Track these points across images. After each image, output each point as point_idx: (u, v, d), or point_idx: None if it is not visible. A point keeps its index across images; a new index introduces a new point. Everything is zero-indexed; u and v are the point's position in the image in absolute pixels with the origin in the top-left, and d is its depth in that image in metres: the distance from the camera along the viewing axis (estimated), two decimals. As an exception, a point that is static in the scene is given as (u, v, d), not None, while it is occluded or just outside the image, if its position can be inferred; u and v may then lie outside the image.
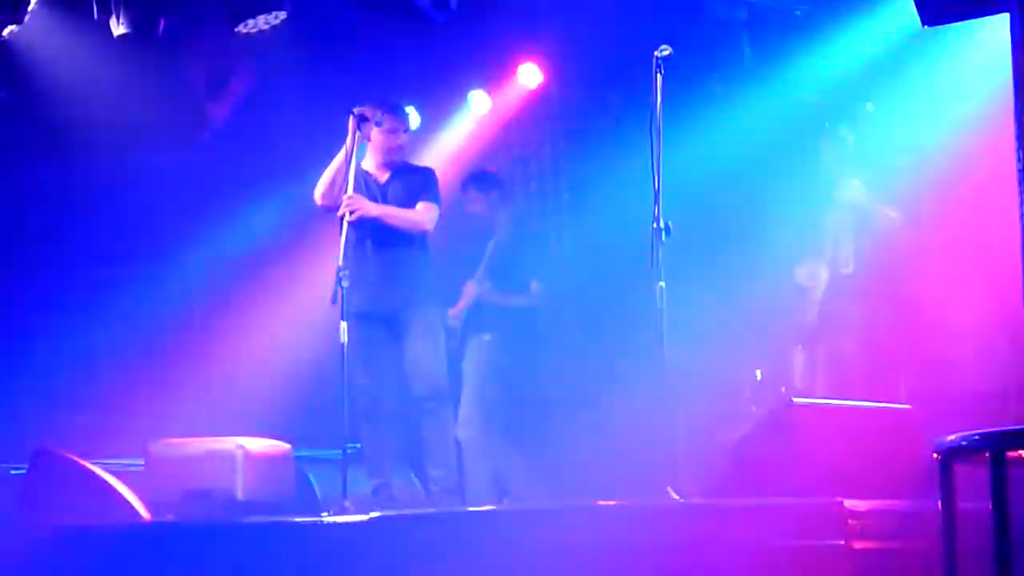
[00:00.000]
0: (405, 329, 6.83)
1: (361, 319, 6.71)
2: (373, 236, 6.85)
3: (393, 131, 6.99)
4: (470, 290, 7.89)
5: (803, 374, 7.67)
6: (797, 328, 7.72)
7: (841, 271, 7.45)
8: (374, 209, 6.81)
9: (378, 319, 6.81)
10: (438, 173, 7.21)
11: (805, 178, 7.82)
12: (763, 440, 5.28)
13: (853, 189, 7.35)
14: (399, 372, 6.87)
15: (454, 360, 7.81)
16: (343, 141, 6.80)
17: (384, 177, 7.03)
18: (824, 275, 7.51)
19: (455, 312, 7.87)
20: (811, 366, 7.68)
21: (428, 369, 6.80)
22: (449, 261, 7.77)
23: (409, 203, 6.93)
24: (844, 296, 7.42)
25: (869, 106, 7.33)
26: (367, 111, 6.81)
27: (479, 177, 8.22)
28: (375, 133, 6.94)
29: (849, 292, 7.40)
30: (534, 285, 7.97)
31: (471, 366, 7.87)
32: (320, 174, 7.00)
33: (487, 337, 7.89)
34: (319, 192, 6.92)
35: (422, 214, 6.90)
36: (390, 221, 6.87)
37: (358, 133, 6.77)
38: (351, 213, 6.64)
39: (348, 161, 6.72)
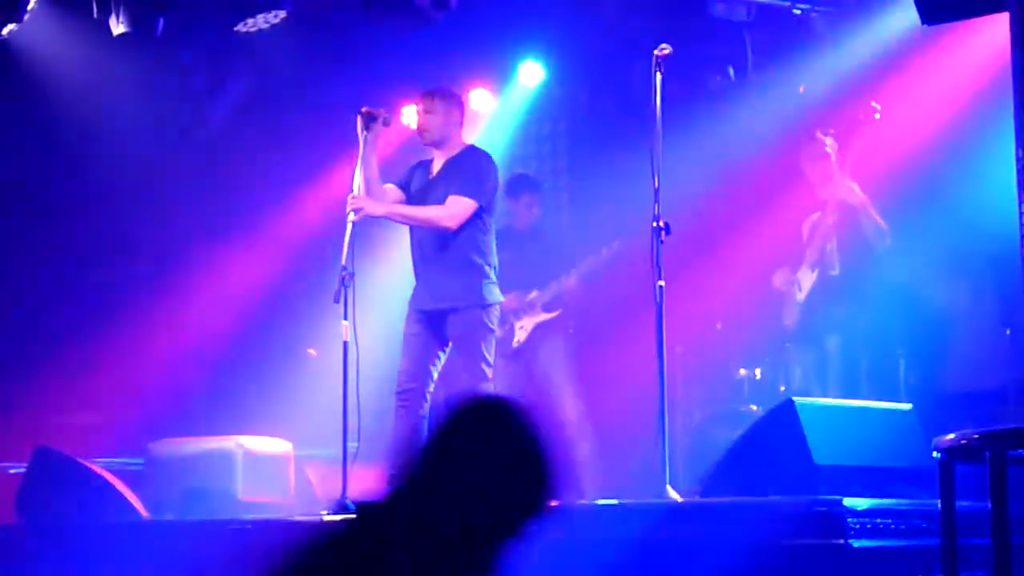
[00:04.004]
0: (447, 331, 6.72)
1: (412, 312, 6.71)
2: (427, 235, 6.73)
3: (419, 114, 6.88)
4: (570, 283, 7.99)
5: (799, 374, 7.67)
6: (783, 330, 7.73)
7: (829, 273, 7.45)
8: (378, 209, 6.69)
9: (426, 316, 6.72)
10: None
11: (795, 180, 7.83)
12: (763, 439, 5.28)
13: (845, 189, 7.34)
14: (435, 368, 6.78)
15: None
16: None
17: (437, 169, 6.80)
18: (807, 280, 7.50)
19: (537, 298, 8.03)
20: (799, 367, 7.67)
21: (466, 373, 6.68)
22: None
23: (444, 199, 6.68)
24: (830, 297, 7.41)
25: (875, 104, 7.31)
26: (374, 110, 6.68)
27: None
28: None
29: (836, 293, 7.40)
30: None
31: (558, 361, 7.99)
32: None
33: (565, 333, 8.08)
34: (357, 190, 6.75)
35: (439, 210, 6.62)
36: (399, 220, 6.77)
37: (366, 132, 6.65)
38: (355, 212, 6.57)
39: (367, 163, 6.62)
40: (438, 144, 6.80)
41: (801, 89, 8.50)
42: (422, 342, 6.72)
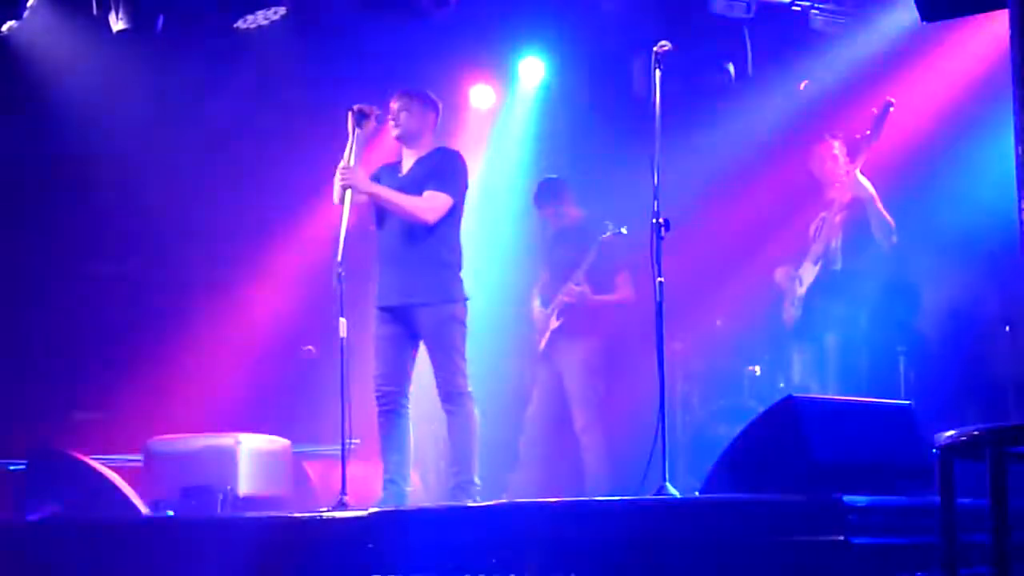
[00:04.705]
0: (420, 329, 6.72)
1: (381, 312, 6.69)
2: (398, 230, 6.71)
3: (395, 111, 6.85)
4: (573, 291, 8.11)
5: (798, 370, 7.67)
6: (783, 327, 7.73)
7: (831, 269, 7.44)
8: (366, 186, 6.66)
9: (396, 314, 6.71)
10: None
11: (796, 177, 7.83)
12: (762, 436, 5.27)
13: (855, 184, 7.31)
14: (411, 367, 6.77)
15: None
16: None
17: (407, 168, 6.81)
18: (809, 274, 7.49)
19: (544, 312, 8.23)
20: (799, 364, 7.67)
21: (443, 370, 6.69)
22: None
23: (417, 193, 6.70)
24: (831, 293, 7.41)
25: (890, 99, 7.30)
26: (365, 108, 6.67)
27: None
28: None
29: (836, 289, 7.39)
30: (621, 279, 8.13)
31: (573, 368, 8.11)
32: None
33: (585, 339, 8.14)
34: (336, 192, 6.75)
35: (420, 202, 6.62)
36: (383, 203, 6.72)
37: (358, 130, 6.64)
38: (344, 182, 6.54)
39: (356, 161, 6.60)
40: (408, 142, 6.83)
41: (801, 86, 8.51)
42: (395, 343, 6.71)
